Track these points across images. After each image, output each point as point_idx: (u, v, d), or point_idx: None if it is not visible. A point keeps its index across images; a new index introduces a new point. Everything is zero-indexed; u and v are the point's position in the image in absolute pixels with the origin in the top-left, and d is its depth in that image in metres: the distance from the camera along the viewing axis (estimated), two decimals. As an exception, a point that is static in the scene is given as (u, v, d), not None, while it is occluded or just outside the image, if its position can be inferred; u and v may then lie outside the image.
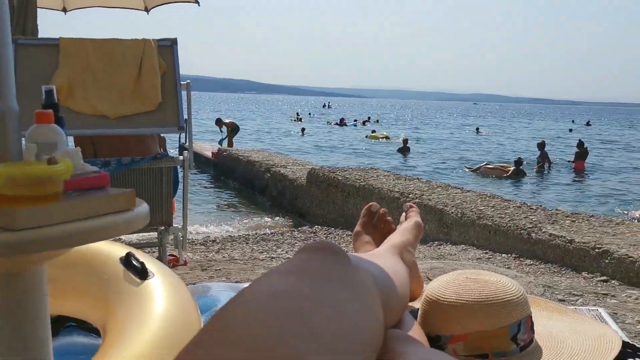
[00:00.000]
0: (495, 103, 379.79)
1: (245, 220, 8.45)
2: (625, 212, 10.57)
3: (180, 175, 3.45)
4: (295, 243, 5.70)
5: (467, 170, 17.25)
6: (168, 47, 3.29)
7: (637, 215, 9.63)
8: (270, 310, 0.50)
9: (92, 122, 3.06)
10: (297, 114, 50.78)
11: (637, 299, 3.47)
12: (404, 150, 21.75)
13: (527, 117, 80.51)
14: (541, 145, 18.25)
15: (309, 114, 55.00)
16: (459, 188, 6.82)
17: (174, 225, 3.39)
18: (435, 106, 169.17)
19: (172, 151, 4.18)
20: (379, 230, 1.28)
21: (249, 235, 6.18)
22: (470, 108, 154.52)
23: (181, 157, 3.30)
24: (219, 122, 16.43)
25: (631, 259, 3.93)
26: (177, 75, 3.24)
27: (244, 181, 10.94)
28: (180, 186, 3.47)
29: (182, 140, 3.57)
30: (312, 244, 0.63)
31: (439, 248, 5.15)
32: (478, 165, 17.09)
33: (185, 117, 3.30)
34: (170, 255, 3.67)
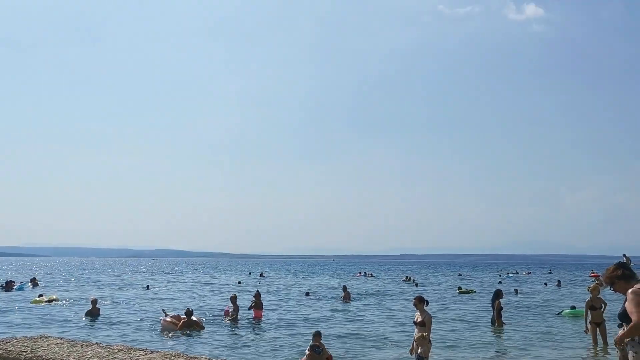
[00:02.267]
0: (176, 258, 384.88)
1: None
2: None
3: None
4: None
5: (162, 318, 17.54)
6: None
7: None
8: None
9: None
10: None
11: None
12: (93, 312, 20.08)
13: (208, 270, 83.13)
14: (234, 299, 19.56)
15: None
16: (142, 350, 6.44)
17: None
18: (120, 263, 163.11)
19: None
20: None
21: None
22: (150, 264, 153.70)
23: None
24: None
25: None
26: None
27: None
28: None
29: None
30: None
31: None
32: (163, 318, 17.40)
33: None
34: None
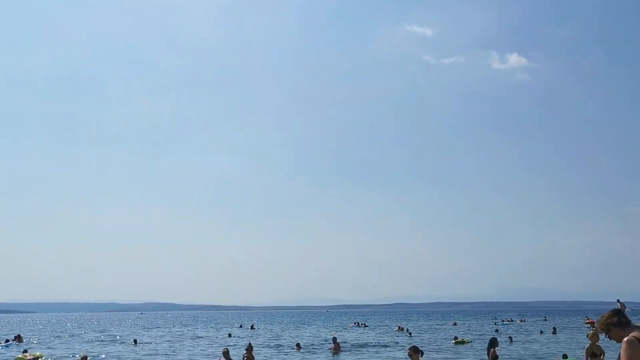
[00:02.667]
0: (165, 311, 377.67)
1: None
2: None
3: None
4: None
5: None
6: None
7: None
8: None
9: None
10: None
11: None
12: None
13: (197, 323, 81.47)
14: (226, 353, 19.15)
15: None
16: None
17: None
18: (107, 317, 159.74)
19: None
20: None
21: None
22: (138, 318, 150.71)
23: None
24: None
25: None
26: None
27: None
28: None
29: None
30: None
31: None
32: None
33: None
34: None
